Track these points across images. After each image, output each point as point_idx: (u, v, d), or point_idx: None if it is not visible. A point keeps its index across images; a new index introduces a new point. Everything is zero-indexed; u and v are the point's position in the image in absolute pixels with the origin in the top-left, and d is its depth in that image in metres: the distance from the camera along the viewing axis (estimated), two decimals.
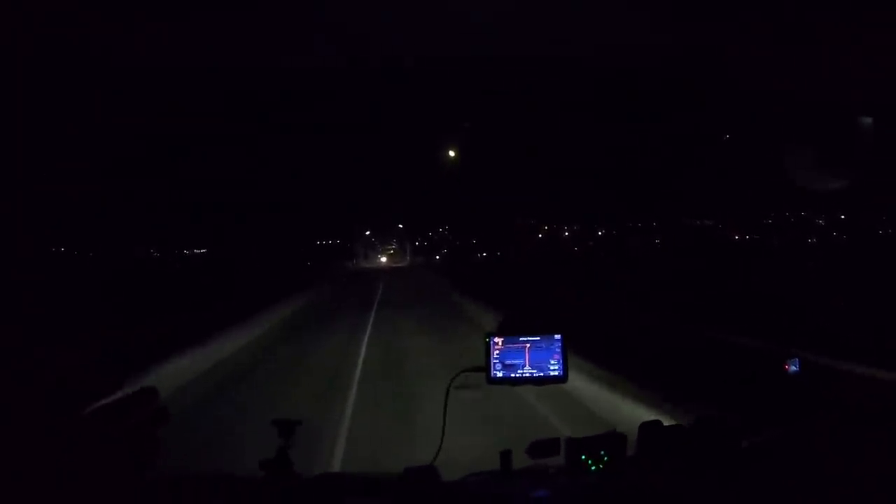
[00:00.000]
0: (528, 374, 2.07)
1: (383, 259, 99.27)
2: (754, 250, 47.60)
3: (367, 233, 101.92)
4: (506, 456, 2.06)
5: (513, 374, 2.08)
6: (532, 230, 79.56)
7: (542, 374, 2.07)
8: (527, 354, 2.08)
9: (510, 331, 2.11)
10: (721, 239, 63.33)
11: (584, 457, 2.00)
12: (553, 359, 2.07)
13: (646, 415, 7.98)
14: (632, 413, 6.87)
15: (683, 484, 1.93)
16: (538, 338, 2.08)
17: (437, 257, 79.73)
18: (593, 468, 1.98)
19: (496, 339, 2.09)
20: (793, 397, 2.58)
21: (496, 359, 2.08)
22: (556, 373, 2.07)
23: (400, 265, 75.59)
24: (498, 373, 2.08)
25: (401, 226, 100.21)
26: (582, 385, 7.87)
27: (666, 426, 2.13)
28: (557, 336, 2.09)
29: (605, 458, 2.00)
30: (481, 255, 67.04)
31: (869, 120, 5.63)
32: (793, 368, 2.58)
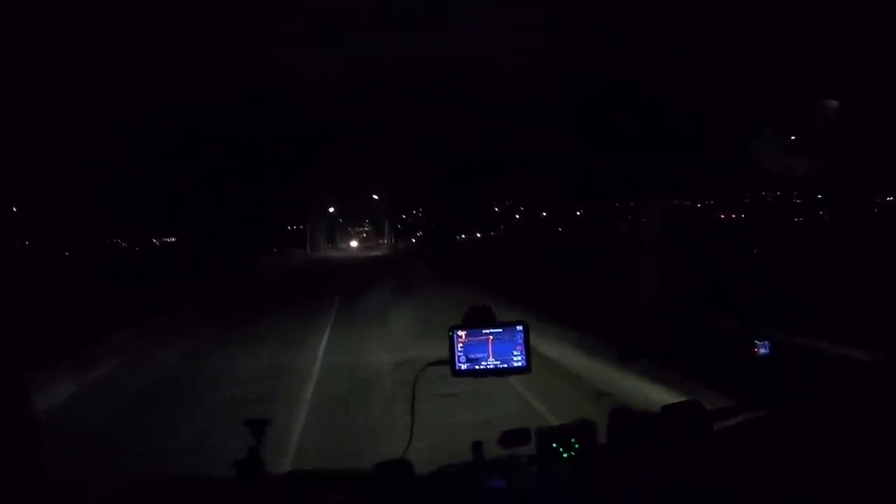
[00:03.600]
0: (491, 366, 2.09)
1: (353, 244, 75.45)
2: (743, 230, 48.11)
3: (331, 210, 71.97)
4: (477, 447, 2.07)
5: (477, 367, 2.09)
6: (509, 211, 79.12)
7: (505, 366, 2.09)
8: (490, 346, 2.09)
9: (473, 323, 2.11)
10: (707, 219, 63.97)
11: (555, 445, 2.00)
12: (516, 350, 2.09)
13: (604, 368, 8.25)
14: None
15: (654, 470, 1.93)
16: (500, 329, 2.10)
17: (413, 240, 68.59)
18: (565, 456, 1.99)
19: (459, 333, 2.10)
20: (763, 380, 2.58)
21: (460, 352, 2.09)
22: (518, 363, 2.09)
23: (376, 253, 54.70)
24: (462, 365, 2.09)
25: (376, 197, 68.69)
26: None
27: (637, 412, 2.15)
28: (520, 327, 2.10)
29: (577, 446, 2.01)
30: (460, 237, 66.82)
31: (835, 103, 5.66)
32: (762, 351, 2.57)
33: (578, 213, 76.04)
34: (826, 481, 1.79)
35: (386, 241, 69.86)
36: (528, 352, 2.11)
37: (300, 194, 60.38)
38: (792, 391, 2.45)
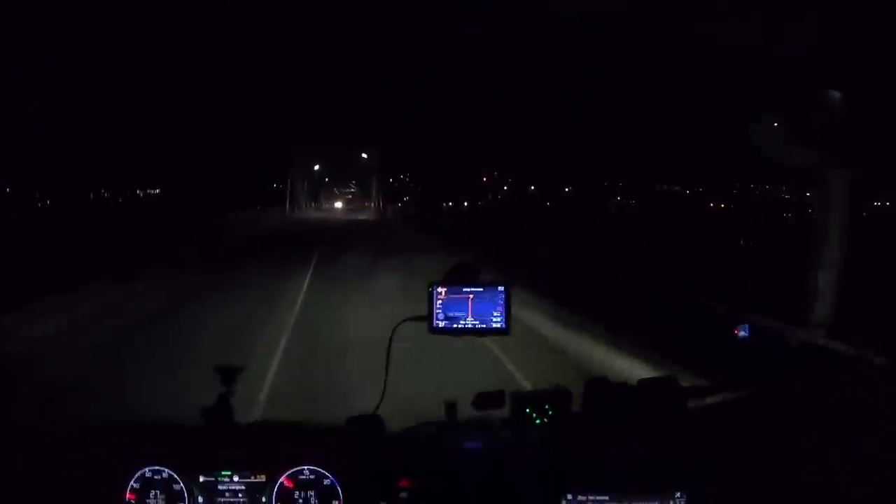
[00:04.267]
0: (469, 325, 2.04)
1: (338, 205, 73.32)
2: (732, 220, 48.59)
3: (317, 167, 66.63)
4: (451, 407, 2.06)
5: (455, 325, 2.04)
6: (496, 183, 78.65)
7: (484, 326, 2.04)
8: (470, 305, 2.04)
9: (455, 280, 2.06)
10: (697, 207, 64.44)
11: (528, 410, 2.00)
12: (496, 311, 2.04)
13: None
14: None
15: (625, 441, 1.94)
16: (481, 289, 2.04)
17: (399, 204, 64.40)
18: (538, 422, 1.99)
19: (439, 289, 2.04)
20: (741, 361, 2.60)
21: (439, 308, 2.04)
22: (498, 325, 2.04)
23: (363, 217, 51.57)
24: (440, 322, 2.04)
25: (365, 155, 60.62)
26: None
27: (612, 384, 2.14)
28: (501, 287, 2.05)
29: (550, 413, 2.00)
30: (447, 204, 66.50)
31: (837, 94, 5.61)
32: (742, 333, 2.59)
33: (567, 190, 76.16)
34: (797, 462, 1.80)
35: (373, 204, 64.18)
36: (509, 313, 2.06)
37: (284, 149, 56.00)
38: (766, 374, 2.48)
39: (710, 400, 2.24)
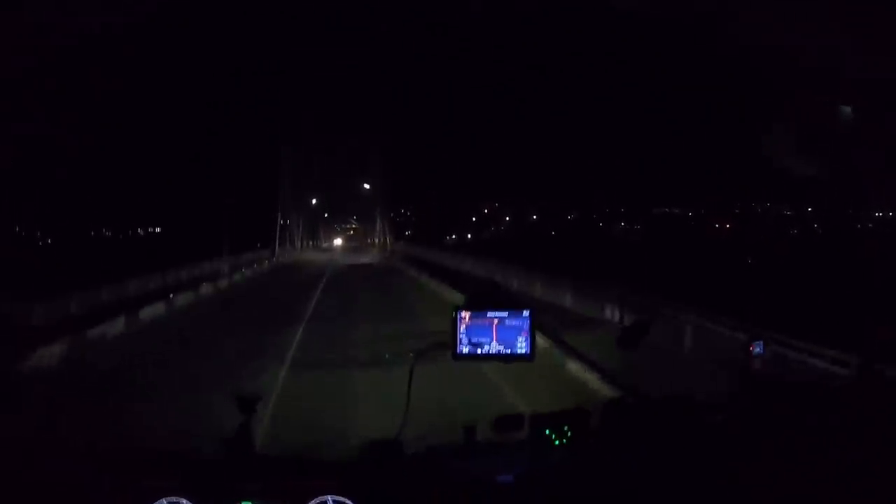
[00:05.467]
0: (494, 351, 2.01)
1: (338, 242, 65.79)
2: (737, 241, 48.40)
3: (314, 201, 59.58)
4: (469, 430, 2.06)
5: (479, 351, 2.01)
6: (496, 213, 78.34)
7: (508, 352, 2.01)
8: (494, 330, 2.01)
9: (478, 305, 2.04)
10: (700, 227, 64.33)
11: (547, 432, 2.00)
12: (521, 336, 2.01)
13: None
14: None
15: (645, 459, 1.95)
16: (506, 314, 2.01)
17: (402, 241, 54.23)
18: (557, 443, 1.99)
19: (463, 314, 2.02)
20: (756, 379, 2.64)
21: (462, 334, 2.01)
22: (523, 350, 2.01)
23: (366, 261, 39.97)
24: (464, 349, 2.01)
25: (367, 186, 53.05)
26: None
27: (630, 403, 2.16)
28: (526, 312, 2.02)
29: (569, 434, 2.01)
30: (450, 237, 66.24)
31: (849, 110, 5.72)
32: (757, 350, 2.65)
33: (570, 217, 76.07)
34: (811, 478, 1.82)
35: (376, 240, 56.35)
36: (534, 339, 2.03)
37: (276, 184, 48.53)
38: (779, 393, 2.50)
39: (724, 416, 2.25)
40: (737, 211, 69.63)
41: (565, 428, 2.01)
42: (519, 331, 2.01)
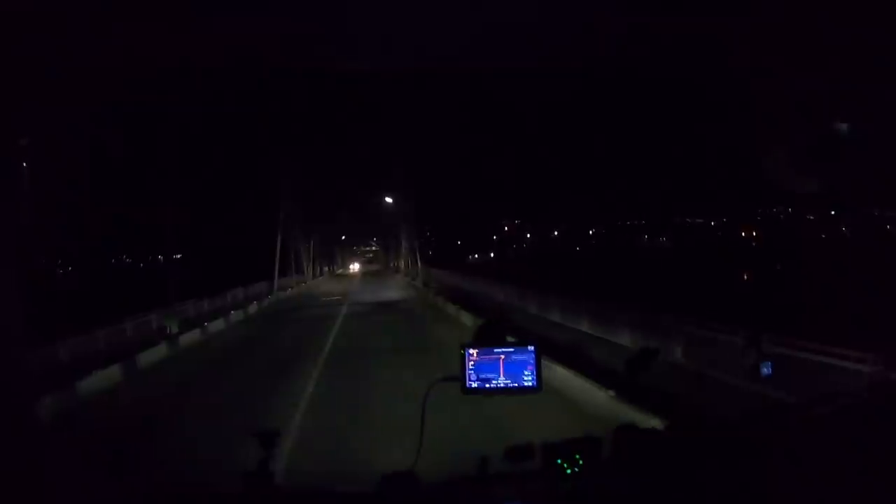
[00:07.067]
0: (502, 385, 2.10)
1: (356, 267, 59.17)
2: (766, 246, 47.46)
3: (328, 223, 51.24)
4: (483, 461, 2.08)
5: (487, 385, 2.10)
6: (519, 231, 77.97)
7: (515, 385, 2.10)
8: (501, 366, 2.09)
9: (485, 342, 2.12)
10: (728, 236, 63.50)
11: (559, 461, 2.01)
12: (527, 369, 2.10)
13: None
14: None
15: (659, 487, 1.94)
16: (512, 349, 2.10)
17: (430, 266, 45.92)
18: (568, 472, 2.00)
19: (471, 351, 2.10)
20: (767, 399, 2.64)
21: (471, 370, 2.10)
22: (529, 383, 2.10)
23: (392, 295, 31.10)
24: (473, 384, 2.10)
25: (389, 200, 42.69)
26: None
27: (641, 429, 2.16)
28: (531, 347, 2.11)
29: (581, 462, 2.01)
30: (472, 256, 66.08)
31: (845, 126, 5.73)
32: (765, 371, 2.67)
33: (591, 232, 75.63)
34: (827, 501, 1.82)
35: (401, 264, 49.79)
36: (540, 371, 2.11)
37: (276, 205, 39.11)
38: (790, 414, 2.49)
39: (738, 438, 2.25)
40: (758, 218, 68.73)
41: (577, 457, 2.01)
42: (525, 365, 2.10)
